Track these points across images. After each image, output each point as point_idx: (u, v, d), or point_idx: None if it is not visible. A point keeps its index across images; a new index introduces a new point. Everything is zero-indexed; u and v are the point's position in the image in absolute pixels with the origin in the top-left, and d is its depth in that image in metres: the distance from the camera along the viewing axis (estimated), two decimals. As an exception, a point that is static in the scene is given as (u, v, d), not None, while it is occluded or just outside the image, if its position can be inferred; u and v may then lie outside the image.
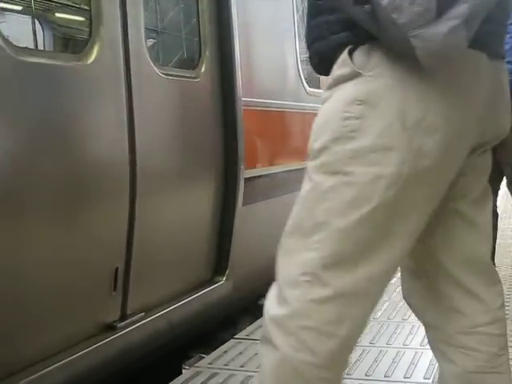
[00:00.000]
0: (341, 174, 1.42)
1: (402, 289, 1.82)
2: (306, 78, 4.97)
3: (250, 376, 3.07)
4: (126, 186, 2.88)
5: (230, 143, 3.73)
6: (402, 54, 1.36)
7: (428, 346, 3.22)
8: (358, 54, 1.43)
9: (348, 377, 2.97)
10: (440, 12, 1.28)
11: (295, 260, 1.46)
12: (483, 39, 1.44)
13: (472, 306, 1.66)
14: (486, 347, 1.65)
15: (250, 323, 3.97)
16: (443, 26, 1.27)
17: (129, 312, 3.00)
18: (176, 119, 3.40)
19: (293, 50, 4.84)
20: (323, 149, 1.45)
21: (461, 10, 1.28)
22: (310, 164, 1.49)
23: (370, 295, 1.50)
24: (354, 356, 3.22)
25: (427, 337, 1.80)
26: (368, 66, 1.42)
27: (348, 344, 1.52)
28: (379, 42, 1.39)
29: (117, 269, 2.87)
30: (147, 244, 3.06)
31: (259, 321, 3.87)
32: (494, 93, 1.55)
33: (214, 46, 3.72)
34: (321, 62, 1.56)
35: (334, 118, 1.44)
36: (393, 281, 3.87)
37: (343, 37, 1.46)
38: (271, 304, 1.50)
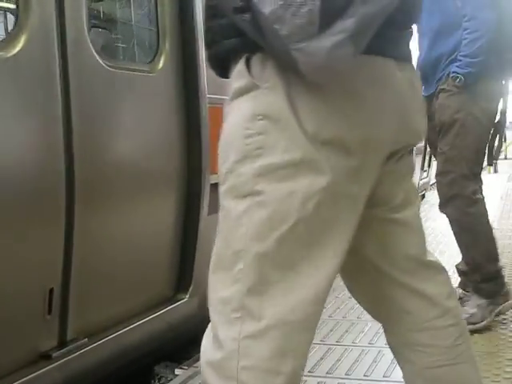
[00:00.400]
0: (252, 195, 1.35)
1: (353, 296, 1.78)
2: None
3: None
4: (62, 195, 2.54)
5: (193, 145, 3.42)
6: (288, 66, 1.30)
7: None
8: (254, 64, 1.37)
9: (347, 377, 2.95)
10: (325, 26, 1.21)
11: (222, 297, 1.38)
12: (387, 45, 1.40)
13: (418, 304, 1.62)
14: (440, 341, 1.62)
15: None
16: (326, 41, 1.22)
17: (69, 338, 2.66)
18: (126, 119, 3.04)
19: None
20: (230, 171, 1.38)
21: (347, 24, 1.22)
22: (220, 190, 1.42)
23: (309, 319, 1.40)
24: (352, 356, 3.19)
25: (386, 341, 1.76)
26: (263, 76, 1.36)
27: (294, 381, 1.39)
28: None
29: (51, 290, 2.53)
30: (91, 261, 2.73)
31: None
32: (406, 97, 1.50)
33: (175, 37, 3.37)
34: (218, 66, 1.52)
35: (236, 136, 1.38)
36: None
37: (234, 43, 1.41)
38: (207, 346, 1.41)
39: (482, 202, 3.43)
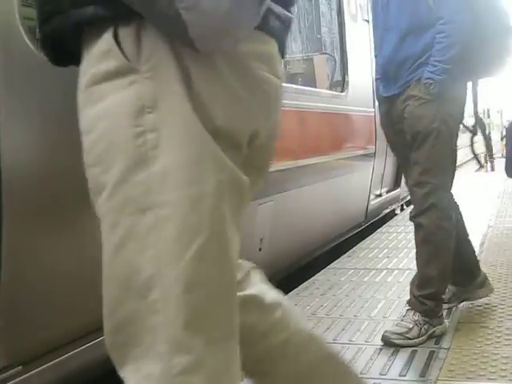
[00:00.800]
0: (155, 207, 1.10)
1: None
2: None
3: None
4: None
5: None
6: (175, 36, 1.06)
7: (425, 345, 3.13)
8: (125, 39, 1.08)
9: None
10: None
11: (141, 329, 1.13)
12: (273, 23, 1.22)
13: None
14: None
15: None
16: None
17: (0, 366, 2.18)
18: (69, 118, 2.44)
19: None
20: (120, 182, 1.10)
21: None
22: (105, 206, 1.13)
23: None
24: (349, 354, 3.17)
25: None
26: (142, 55, 1.08)
27: None
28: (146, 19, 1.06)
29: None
30: (23, 280, 2.22)
31: None
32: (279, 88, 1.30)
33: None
34: (57, 48, 1.19)
35: (120, 137, 1.10)
36: (389, 279, 3.64)
37: (90, 12, 1.08)
38: None
39: (452, 218, 3.37)
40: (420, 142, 3.26)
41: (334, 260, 5.41)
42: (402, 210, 9.04)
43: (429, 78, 3.20)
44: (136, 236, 1.11)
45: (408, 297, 3.39)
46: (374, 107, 6.69)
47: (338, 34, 6.31)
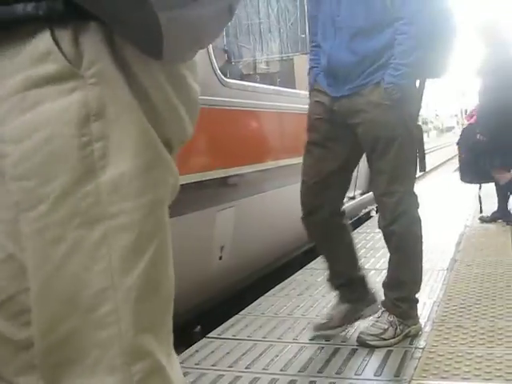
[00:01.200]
0: (105, 219, 1.05)
1: None
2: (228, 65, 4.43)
3: (221, 375, 2.99)
4: None
5: None
6: (136, 45, 1.00)
7: (400, 345, 3.14)
8: (65, 42, 1.00)
9: (320, 375, 2.91)
10: None
11: (87, 345, 1.07)
12: None
13: None
14: None
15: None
16: (203, 9, 1.00)
17: None
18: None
19: None
20: (64, 194, 1.03)
21: None
22: (44, 220, 1.04)
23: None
24: (324, 355, 3.17)
25: None
26: (83, 61, 1.01)
27: None
28: (93, 18, 0.97)
29: None
30: None
31: (231, 320, 3.81)
32: None
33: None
34: None
35: (63, 148, 1.02)
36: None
37: (19, 11, 0.98)
38: None
39: (420, 221, 3.32)
40: (383, 150, 3.13)
41: (312, 260, 5.40)
42: (377, 212, 9.06)
43: (391, 83, 3.04)
44: (84, 250, 1.05)
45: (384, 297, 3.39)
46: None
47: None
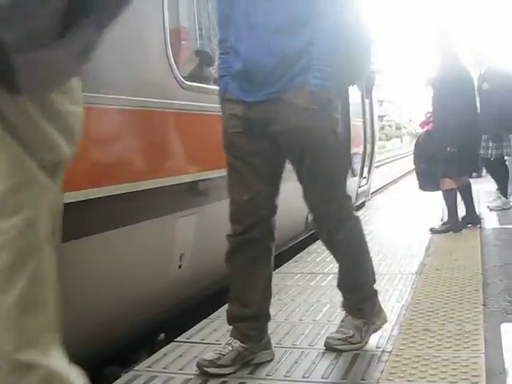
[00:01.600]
0: None
1: None
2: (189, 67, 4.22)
3: (188, 379, 2.98)
4: None
5: None
6: None
7: (367, 348, 3.15)
8: None
9: (286, 379, 2.93)
10: (63, 32, 1.04)
11: None
12: None
13: None
14: None
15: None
16: (63, 51, 1.06)
17: None
18: None
19: (157, 25, 3.70)
20: None
21: (87, 31, 1.08)
22: None
23: None
24: (292, 358, 3.17)
25: None
26: None
27: None
28: None
29: None
30: None
31: (200, 324, 3.79)
32: None
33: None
34: None
35: None
36: (335, 283, 3.67)
37: None
38: None
39: (359, 220, 3.23)
40: (314, 159, 2.93)
41: (282, 265, 5.41)
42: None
43: (316, 86, 2.82)
44: None
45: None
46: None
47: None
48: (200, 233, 4.07)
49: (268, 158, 2.98)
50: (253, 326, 3.10)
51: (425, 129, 7.12)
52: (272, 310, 3.96)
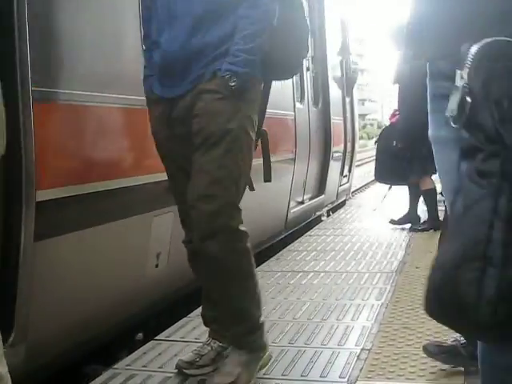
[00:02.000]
0: None
1: None
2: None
3: (168, 377, 2.98)
4: None
5: (11, 151, 2.52)
6: None
7: (346, 346, 3.15)
8: None
9: (266, 377, 2.90)
10: None
11: None
12: None
13: None
14: None
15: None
16: None
17: None
18: None
19: (135, 23, 3.51)
20: None
21: None
22: None
23: None
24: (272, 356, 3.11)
25: None
26: None
27: None
28: None
29: None
30: None
31: (180, 322, 3.80)
32: None
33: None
34: None
35: None
36: (315, 281, 3.66)
37: None
38: None
39: (247, 238, 2.72)
40: (211, 145, 2.62)
41: (262, 263, 5.41)
42: (328, 215, 9.12)
43: (228, 71, 2.61)
44: None
45: (333, 298, 3.37)
46: (294, 110, 6.65)
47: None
48: (177, 232, 4.04)
49: (189, 158, 2.71)
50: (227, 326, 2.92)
51: (392, 120, 7.15)
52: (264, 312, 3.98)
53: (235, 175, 2.66)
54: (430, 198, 6.64)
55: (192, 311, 3.95)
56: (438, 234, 6.47)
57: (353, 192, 11.39)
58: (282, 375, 2.92)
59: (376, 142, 7.33)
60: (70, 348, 3.26)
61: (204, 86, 2.65)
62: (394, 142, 6.38)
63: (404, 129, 6.15)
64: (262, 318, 2.82)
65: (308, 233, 7.00)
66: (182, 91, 2.68)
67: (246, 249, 2.71)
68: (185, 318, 3.86)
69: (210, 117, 2.63)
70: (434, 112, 1.64)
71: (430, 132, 1.68)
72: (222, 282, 2.72)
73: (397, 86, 6.53)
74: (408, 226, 6.89)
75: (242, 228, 2.69)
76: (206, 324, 3.10)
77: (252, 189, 2.89)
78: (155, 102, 2.79)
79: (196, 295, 4.50)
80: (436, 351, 2.87)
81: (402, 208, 7.28)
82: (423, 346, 2.94)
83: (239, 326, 2.78)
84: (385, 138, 6.97)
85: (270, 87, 2.96)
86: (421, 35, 1.27)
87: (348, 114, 9.47)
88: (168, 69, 2.70)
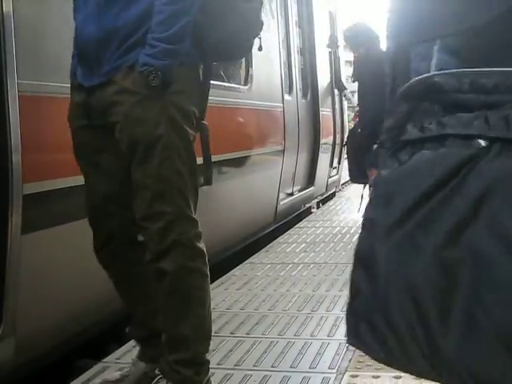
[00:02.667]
0: None
1: None
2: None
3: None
4: None
5: None
6: None
7: (335, 337, 3.16)
8: None
9: (255, 368, 2.93)
10: None
11: None
12: None
13: None
14: None
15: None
16: None
17: None
18: None
19: None
20: None
21: None
22: None
23: None
24: (261, 348, 3.17)
25: None
26: None
27: None
28: None
29: None
30: None
31: None
32: None
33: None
34: None
35: None
36: (305, 273, 3.65)
37: None
38: None
39: (205, 254, 2.42)
40: (142, 157, 2.30)
41: (251, 255, 5.41)
42: (318, 207, 9.13)
43: (146, 64, 2.22)
44: None
45: (323, 290, 3.38)
46: (282, 102, 6.65)
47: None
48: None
49: (116, 157, 2.41)
50: (152, 345, 2.63)
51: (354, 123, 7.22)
52: (242, 301, 3.99)
53: (179, 184, 2.34)
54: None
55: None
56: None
57: (342, 184, 11.39)
58: (272, 367, 2.93)
59: (345, 144, 7.31)
60: (59, 341, 3.25)
61: (122, 83, 2.29)
62: (359, 129, 6.39)
63: (369, 117, 6.19)
64: (207, 356, 2.48)
65: (298, 225, 7.01)
66: (97, 81, 2.33)
67: (198, 270, 2.40)
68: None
69: (133, 125, 2.29)
70: None
71: None
72: (174, 303, 2.41)
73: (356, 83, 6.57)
74: None
75: (198, 245, 2.38)
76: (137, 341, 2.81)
77: (209, 183, 2.51)
78: (76, 87, 2.43)
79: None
80: None
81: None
82: None
83: (172, 355, 2.41)
84: (350, 137, 6.99)
85: (211, 71, 2.53)
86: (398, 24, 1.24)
87: (337, 106, 9.48)
88: (83, 55, 2.37)
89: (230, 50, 2.57)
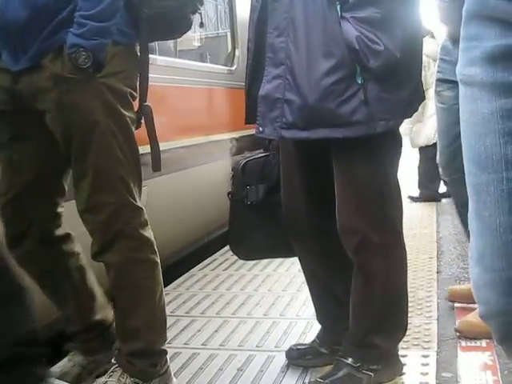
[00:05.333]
0: None
1: None
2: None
3: None
4: None
5: None
6: None
7: (301, 316, 3.20)
8: None
9: (240, 348, 2.93)
10: None
11: None
12: None
13: None
14: None
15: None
16: None
17: None
18: None
19: None
20: None
21: None
22: None
23: None
24: (247, 328, 3.17)
25: None
26: None
27: None
28: None
29: None
30: None
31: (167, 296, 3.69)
32: None
33: None
34: None
35: None
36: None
37: None
38: None
39: (153, 243, 2.31)
40: (80, 146, 2.15)
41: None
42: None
43: (75, 46, 2.01)
44: None
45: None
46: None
47: (228, 4, 5.99)
48: (150, 206, 3.99)
49: (43, 145, 2.25)
50: (87, 339, 2.56)
51: None
52: (227, 281, 3.99)
53: (119, 172, 2.19)
54: None
55: (167, 285, 3.94)
56: (415, 205, 6.53)
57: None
58: (257, 346, 2.93)
59: None
60: (47, 324, 3.23)
61: (51, 67, 2.08)
62: None
63: None
64: (162, 346, 2.39)
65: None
66: (26, 65, 2.11)
67: (146, 260, 2.29)
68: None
69: (65, 113, 2.11)
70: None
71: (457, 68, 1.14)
72: (122, 296, 2.31)
73: None
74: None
75: (144, 234, 2.27)
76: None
77: (158, 169, 2.35)
78: (1, 70, 2.17)
79: (180, 265, 4.51)
80: (296, 355, 2.72)
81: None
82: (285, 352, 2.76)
83: (125, 346, 2.34)
84: None
85: (147, 49, 2.30)
86: None
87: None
88: (7, 35, 2.11)
89: (167, 26, 2.33)
